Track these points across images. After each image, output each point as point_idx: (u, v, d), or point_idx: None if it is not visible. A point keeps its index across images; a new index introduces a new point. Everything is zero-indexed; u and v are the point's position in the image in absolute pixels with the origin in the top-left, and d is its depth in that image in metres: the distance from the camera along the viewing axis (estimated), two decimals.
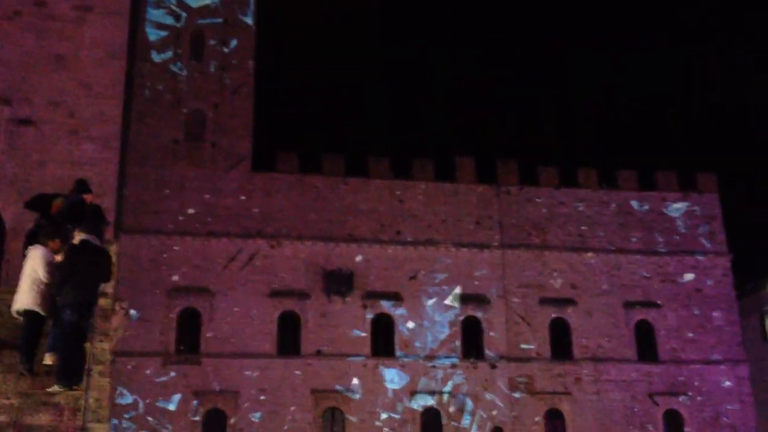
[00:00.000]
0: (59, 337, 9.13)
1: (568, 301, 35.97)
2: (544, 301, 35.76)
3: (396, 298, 34.66)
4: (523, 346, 34.98)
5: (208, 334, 32.69)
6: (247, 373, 32.43)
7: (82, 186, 11.74)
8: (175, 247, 33.31)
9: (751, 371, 36.54)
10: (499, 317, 35.23)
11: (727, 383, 35.80)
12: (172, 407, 31.34)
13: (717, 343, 36.38)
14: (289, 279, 34.01)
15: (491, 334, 34.96)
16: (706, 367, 35.84)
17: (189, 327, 32.84)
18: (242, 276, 33.57)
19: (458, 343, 34.59)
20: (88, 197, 11.58)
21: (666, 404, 35.07)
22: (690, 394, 35.32)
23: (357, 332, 33.86)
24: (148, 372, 31.50)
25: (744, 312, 39.66)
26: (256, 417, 31.96)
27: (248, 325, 33.06)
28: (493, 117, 71.03)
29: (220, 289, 33.25)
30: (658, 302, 36.55)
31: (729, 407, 35.42)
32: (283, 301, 33.67)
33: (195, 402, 31.64)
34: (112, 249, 10.66)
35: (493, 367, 34.44)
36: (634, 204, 37.90)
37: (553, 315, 35.72)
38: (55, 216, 10.94)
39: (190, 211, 33.82)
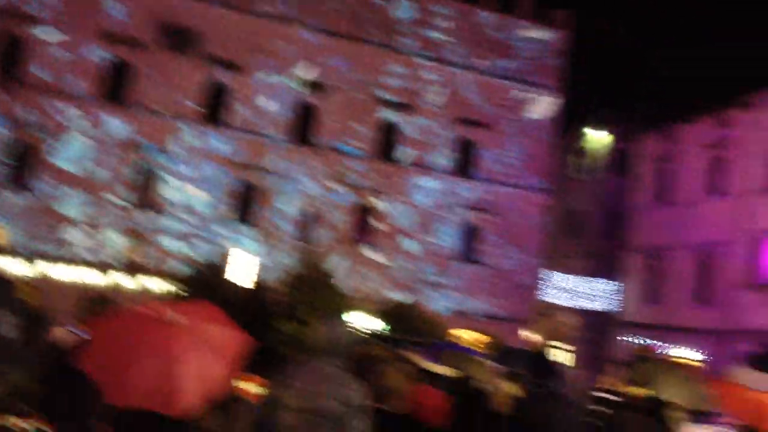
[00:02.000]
0: None
1: (404, 106, 36.56)
2: (381, 101, 36.15)
3: (235, 67, 33.70)
4: (351, 139, 35.59)
5: (30, 65, 30.66)
6: (66, 111, 31.09)
7: None
8: None
9: (550, 201, 39.51)
10: (334, 107, 35.35)
11: (527, 207, 38.58)
12: None
13: (529, 170, 38.71)
14: (123, 23, 31.98)
15: (322, 121, 35.19)
16: (513, 189, 38.29)
17: (9, 54, 30.61)
18: (71, 10, 31.17)
19: (288, 124, 34.62)
20: None
21: (470, 216, 37.46)
22: (494, 211, 37.81)
23: (187, 93, 32.93)
24: None
25: (561, 148, 42.18)
26: (67, 158, 31.01)
27: (73, 62, 31.20)
28: None
29: (46, 19, 30.87)
30: (487, 123, 37.97)
31: (523, 229, 38.37)
32: (115, 45, 31.82)
33: (4, 132, 30.14)
34: None
35: (317, 154, 34.97)
36: (489, 24, 38.21)
37: (386, 116, 36.34)
38: None
39: None
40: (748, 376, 6.49)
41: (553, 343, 43.75)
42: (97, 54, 31.59)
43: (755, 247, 34.05)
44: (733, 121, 36.68)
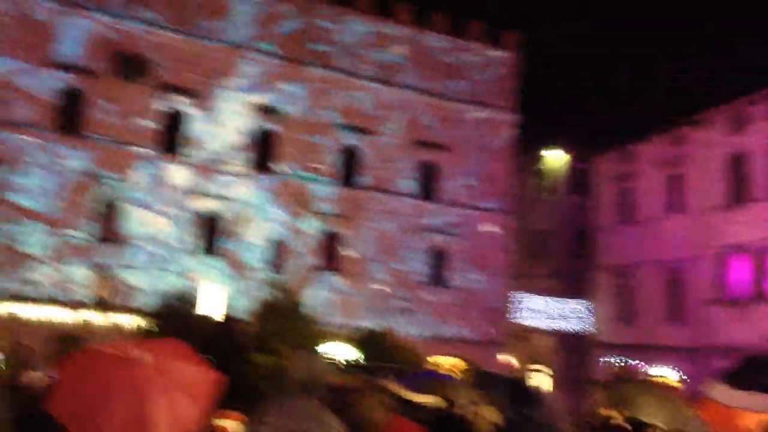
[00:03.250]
0: None
1: (362, 130, 36.60)
2: (340, 126, 36.15)
3: (192, 95, 33.43)
4: (313, 165, 35.46)
5: None
6: (21, 145, 30.36)
7: None
8: None
9: (513, 222, 39.74)
10: (295, 134, 35.24)
11: (492, 229, 38.72)
12: None
13: (490, 192, 38.93)
14: (76, 53, 31.54)
15: (284, 149, 35.04)
16: (477, 212, 38.44)
17: None
18: (23, 39, 30.53)
19: (250, 152, 34.39)
20: None
21: (436, 240, 37.48)
22: (459, 234, 37.90)
23: (145, 123, 32.54)
24: None
25: (520, 168, 42.55)
26: (27, 193, 30.30)
27: (26, 93, 30.57)
28: None
29: None
30: (446, 146, 38.17)
31: (489, 252, 38.50)
32: (68, 75, 31.28)
33: None
34: None
35: (281, 182, 34.76)
36: (442, 47, 38.57)
37: (346, 141, 36.32)
38: None
39: None
40: (726, 394, 6.42)
41: (530, 365, 43.82)
42: (50, 83, 31.03)
43: (721, 263, 34.43)
44: (686, 139, 37.31)
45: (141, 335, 22.94)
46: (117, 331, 29.86)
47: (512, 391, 5.51)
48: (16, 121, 30.36)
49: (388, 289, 36.12)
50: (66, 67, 31.24)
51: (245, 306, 32.01)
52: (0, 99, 30.16)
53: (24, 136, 30.43)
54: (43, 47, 30.93)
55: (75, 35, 31.48)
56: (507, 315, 39.04)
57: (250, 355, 21.23)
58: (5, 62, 30.28)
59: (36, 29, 30.87)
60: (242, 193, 33.96)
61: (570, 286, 43.41)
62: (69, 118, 31.34)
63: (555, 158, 45.21)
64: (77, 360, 6.56)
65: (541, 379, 42.92)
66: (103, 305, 30.93)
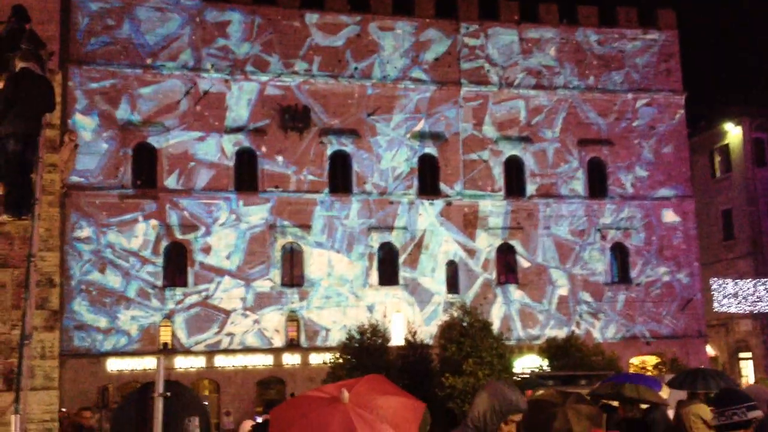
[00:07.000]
0: (4, 167, 8.96)
1: (524, 139, 36.30)
2: (501, 139, 36.04)
3: (353, 134, 34.60)
4: (479, 182, 35.55)
5: (165, 170, 32.52)
6: (206, 208, 32.63)
7: (22, 13, 11.20)
8: (125, 80, 32.43)
9: (696, 206, 37.82)
10: (456, 155, 35.53)
11: (674, 218, 37.10)
12: (131, 241, 31.60)
13: (666, 179, 37.36)
14: (244, 115, 33.57)
15: (447, 171, 35.39)
16: (654, 202, 36.99)
17: (144, 162, 32.56)
18: (197, 111, 33.03)
19: (415, 180, 35.00)
20: (27, 27, 11.07)
21: (613, 238, 36.38)
22: (638, 227, 36.61)
23: (314, 168, 33.99)
24: (105, 206, 31.46)
25: (694, 149, 40.51)
26: (215, 252, 32.44)
27: (205, 161, 32.91)
28: None
29: (175, 125, 32.76)
30: (612, 140, 37.09)
31: (674, 241, 36.90)
32: (239, 137, 33.40)
33: (154, 236, 31.91)
34: (56, 79, 10.26)
35: (449, 204, 35.10)
36: (593, 41, 37.65)
37: (508, 152, 36.14)
38: None
39: (141, 42, 32.73)
40: None
41: (736, 355, 41.16)
42: (226, 147, 33.16)
43: None
44: None
45: (335, 372, 23.82)
46: (311, 370, 31.20)
47: (722, 387, 5.26)
48: (199, 188, 32.60)
49: (570, 293, 35.43)
50: (237, 130, 33.27)
51: (430, 330, 32.52)
52: (183, 169, 32.54)
53: (207, 201, 32.60)
54: (216, 115, 33.15)
55: (242, 99, 33.52)
56: (702, 305, 37.12)
57: (443, 378, 21.46)
58: (185, 135, 32.68)
59: (208, 101, 33.13)
60: (413, 221, 34.57)
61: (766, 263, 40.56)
62: (246, 176, 33.29)
63: (729, 133, 42.59)
64: (288, 408, 7.01)
65: (750, 368, 40.30)
66: (294, 346, 32.42)
